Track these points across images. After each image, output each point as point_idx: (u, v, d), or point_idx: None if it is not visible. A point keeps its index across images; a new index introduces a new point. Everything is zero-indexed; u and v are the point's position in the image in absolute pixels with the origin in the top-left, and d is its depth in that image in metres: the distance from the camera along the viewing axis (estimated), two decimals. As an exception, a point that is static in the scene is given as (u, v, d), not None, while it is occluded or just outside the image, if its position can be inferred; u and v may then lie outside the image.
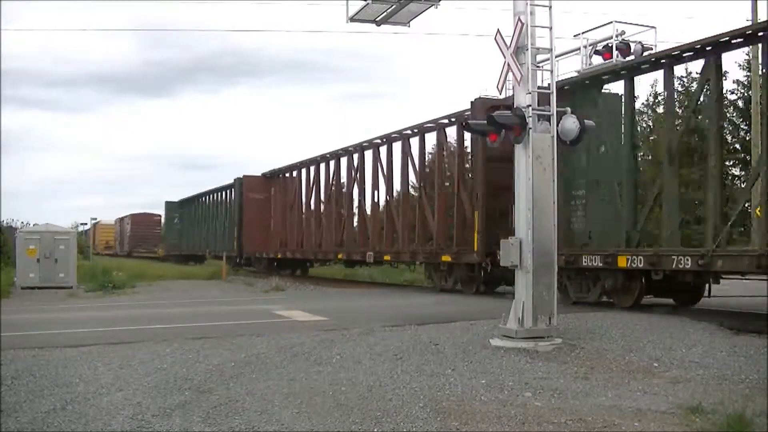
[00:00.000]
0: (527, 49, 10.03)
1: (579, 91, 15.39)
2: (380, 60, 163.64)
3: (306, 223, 29.25)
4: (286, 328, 11.94)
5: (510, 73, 10.21)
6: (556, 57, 10.72)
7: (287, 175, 31.81)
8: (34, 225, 32.31)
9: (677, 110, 15.06)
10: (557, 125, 10.10)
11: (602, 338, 10.29)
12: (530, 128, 9.92)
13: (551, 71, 10.42)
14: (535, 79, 10.15)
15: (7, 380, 7.75)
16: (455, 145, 20.79)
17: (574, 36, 16.44)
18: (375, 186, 24.12)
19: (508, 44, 10.12)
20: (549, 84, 10.42)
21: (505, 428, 6.16)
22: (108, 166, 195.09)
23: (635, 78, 14.89)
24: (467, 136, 19.35)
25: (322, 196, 28.11)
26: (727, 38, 12.74)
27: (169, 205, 51.66)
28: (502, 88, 10.97)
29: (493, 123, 10.37)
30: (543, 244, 9.81)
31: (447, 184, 21.47)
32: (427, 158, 22.77)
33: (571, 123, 10.15)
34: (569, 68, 16.37)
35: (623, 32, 15.59)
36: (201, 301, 19.41)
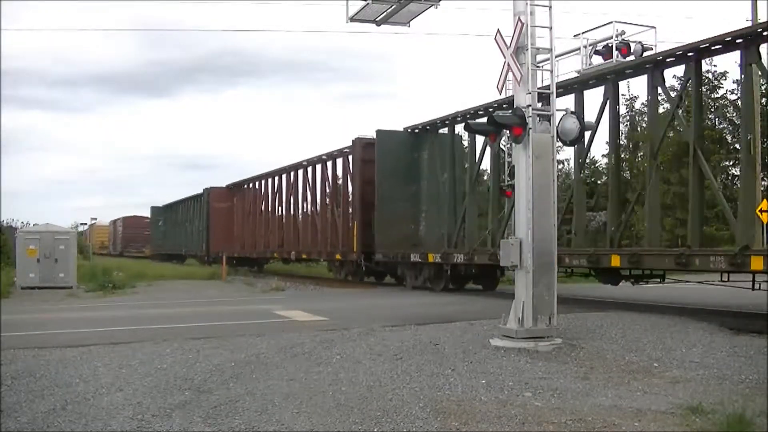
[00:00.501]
0: (527, 49, 10.03)
1: (429, 135, 21.99)
2: (380, 60, 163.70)
3: (258, 227, 34.69)
4: (286, 328, 11.94)
5: (510, 73, 10.21)
6: (556, 57, 10.72)
7: (246, 186, 37.53)
8: (34, 225, 32.36)
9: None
10: (557, 125, 10.11)
11: (602, 338, 10.29)
12: (530, 128, 9.92)
13: (551, 71, 10.42)
14: (535, 79, 10.15)
15: (7, 380, 7.75)
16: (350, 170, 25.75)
17: (574, 36, 16.43)
18: (304, 199, 30.06)
19: (508, 44, 10.12)
20: (549, 84, 10.42)
21: (505, 428, 6.16)
22: (108, 166, 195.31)
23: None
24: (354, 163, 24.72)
25: (269, 205, 33.87)
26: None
27: (155, 210, 56.44)
28: (502, 88, 10.97)
29: (493, 123, 10.37)
30: (543, 244, 9.80)
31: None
32: (339, 179, 27.45)
33: (571, 123, 10.15)
34: (569, 68, 16.39)
35: (623, 32, 15.59)
36: (201, 301, 19.41)
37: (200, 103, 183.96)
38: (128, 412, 6.57)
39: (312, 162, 28.56)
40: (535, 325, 9.70)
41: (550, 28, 10.18)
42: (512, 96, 11.30)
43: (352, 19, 12.73)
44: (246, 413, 6.52)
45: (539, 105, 10.19)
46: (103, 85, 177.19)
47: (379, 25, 12.89)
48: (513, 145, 10.66)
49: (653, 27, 15.79)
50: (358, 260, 23.78)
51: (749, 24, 19.10)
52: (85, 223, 65.28)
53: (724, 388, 7.56)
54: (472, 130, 12.22)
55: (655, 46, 15.43)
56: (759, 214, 15.48)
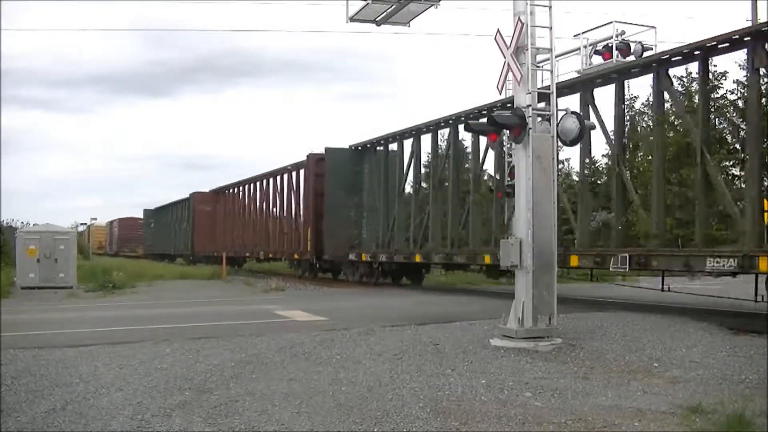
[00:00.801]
0: (527, 49, 10.03)
1: (368, 152, 25.18)
2: (380, 60, 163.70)
3: (236, 229, 37.62)
4: (286, 328, 11.94)
5: (510, 73, 10.21)
6: (556, 57, 10.72)
7: (227, 191, 40.48)
8: (34, 225, 32.31)
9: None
10: (557, 125, 10.11)
11: (602, 338, 10.29)
12: (530, 128, 9.91)
13: (551, 71, 10.42)
14: (535, 79, 10.15)
15: (7, 380, 7.75)
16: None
17: (574, 36, 16.45)
18: (273, 205, 33.00)
19: (508, 44, 10.12)
20: (549, 84, 10.43)
21: (505, 428, 6.16)
22: (108, 166, 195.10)
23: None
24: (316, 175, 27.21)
25: (245, 210, 37.02)
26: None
27: (146, 212, 60.15)
28: (502, 88, 10.97)
29: (493, 123, 10.37)
30: (543, 244, 9.80)
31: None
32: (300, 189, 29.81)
33: (571, 123, 10.15)
34: (569, 68, 16.42)
35: (623, 32, 15.60)
36: (201, 301, 19.42)
37: (200, 104, 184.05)
38: (128, 412, 6.57)
39: (279, 172, 31.58)
40: (535, 325, 9.70)
41: (550, 28, 10.18)
42: (512, 96, 11.31)
43: (352, 19, 12.74)
44: (246, 413, 6.52)
45: (540, 105, 10.20)
46: (104, 85, 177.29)
47: (379, 25, 12.89)
48: (513, 145, 10.66)
49: (653, 27, 15.81)
50: (311, 260, 27.60)
51: (749, 24, 19.10)
52: (85, 223, 66.50)
53: (724, 388, 7.56)
54: (472, 131, 12.23)
55: (656, 46, 15.45)
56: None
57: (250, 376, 8.00)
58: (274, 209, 32.62)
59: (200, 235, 41.74)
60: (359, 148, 25.45)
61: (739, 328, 11.14)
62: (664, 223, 14.43)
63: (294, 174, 29.78)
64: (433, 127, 21.23)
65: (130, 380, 7.79)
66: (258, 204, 34.99)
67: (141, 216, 63.94)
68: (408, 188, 23.45)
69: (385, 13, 12.51)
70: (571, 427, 6.16)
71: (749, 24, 18.34)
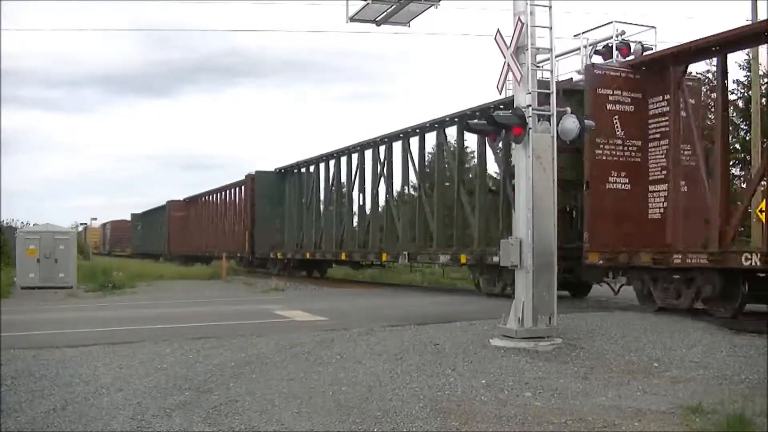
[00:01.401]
0: (527, 49, 10.03)
1: (288, 174, 32.06)
2: (380, 60, 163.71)
3: (203, 232, 43.31)
4: (286, 328, 11.94)
5: (510, 73, 10.21)
6: (556, 57, 10.72)
7: (196, 200, 46.68)
8: (34, 225, 32.32)
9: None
10: (557, 125, 10.11)
11: (602, 338, 10.29)
12: (530, 128, 9.91)
13: (551, 71, 10.42)
14: (535, 79, 10.15)
15: (7, 380, 7.75)
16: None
17: (574, 36, 16.48)
18: (227, 213, 39.26)
19: (508, 44, 10.12)
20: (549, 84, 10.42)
21: (505, 428, 6.16)
22: (108, 166, 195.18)
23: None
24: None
25: (209, 216, 43.07)
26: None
27: (134, 216, 65.53)
28: (502, 88, 10.97)
29: (493, 123, 10.37)
30: (543, 244, 9.80)
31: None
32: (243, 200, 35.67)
33: (571, 123, 10.14)
34: (569, 68, 16.43)
35: (623, 32, 15.63)
36: (201, 301, 19.41)
37: (200, 104, 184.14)
38: (128, 412, 6.57)
39: (230, 186, 38.58)
40: (535, 325, 9.70)
41: (550, 28, 10.18)
42: (512, 96, 11.31)
43: (352, 19, 12.73)
44: (246, 413, 6.53)
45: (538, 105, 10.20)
46: (104, 86, 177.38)
47: (379, 25, 12.89)
48: (513, 145, 10.65)
49: (653, 27, 15.83)
50: (248, 257, 34.50)
51: (749, 23, 19.09)
52: (85, 223, 68.88)
53: (724, 388, 7.56)
54: (472, 131, 12.22)
55: (656, 45, 15.47)
56: (759, 214, 15.47)
57: (250, 376, 8.00)
58: (227, 217, 39.30)
59: (175, 237, 48.60)
60: (282, 171, 32.90)
61: (739, 328, 11.14)
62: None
63: (238, 189, 36.53)
64: (346, 151, 26.59)
65: (130, 380, 7.79)
66: (217, 212, 41.56)
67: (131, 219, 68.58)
68: (316, 202, 29.76)
69: (385, 13, 12.50)
70: (571, 427, 6.16)
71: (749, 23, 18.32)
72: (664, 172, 13.97)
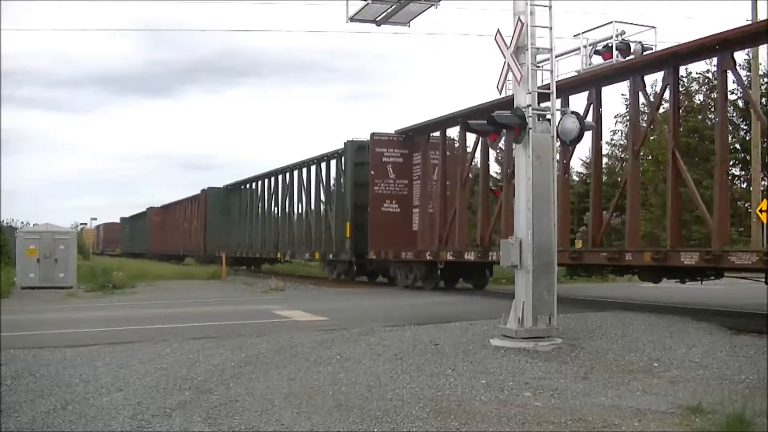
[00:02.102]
0: (527, 49, 10.02)
1: (235, 189, 40.65)
2: (380, 60, 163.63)
3: (174, 234, 51.31)
4: (286, 328, 11.95)
5: (510, 73, 10.21)
6: (556, 57, 10.72)
7: (171, 208, 54.59)
8: (34, 225, 32.35)
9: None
10: (557, 125, 10.11)
11: (602, 338, 10.29)
12: (530, 128, 9.91)
13: (551, 71, 10.42)
14: (535, 79, 10.15)
15: (7, 380, 7.75)
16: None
17: (574, 36, 16.46)
18: (191, 219, 46.66)
19: (508, 44, 10.12)
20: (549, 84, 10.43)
21: (505, 428, 6.16)
22: (108, 166, 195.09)
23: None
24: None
25: (178, 221, 50.94)
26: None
27: (123, 219, 74.54)
28: (502, 88, 10.97)
29: (493, 123, 10.37)
30: (543, 244, 9.80)
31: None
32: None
33: (571, 123, 10.15)
34: (569, 68, 16.43)
35: (623, 32, 15.61)
36: (201, 301, 19.42)
37: (201, 104, 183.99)
38: (128, 412, 6.57)
39: (193, 198, 46.81)
40: (535, 325, 9.70)
41: (550, 28, 10.18)
42: (512, 96, 11.31)
43: (352, 19, 12.74)
44: (246, 413, 6.52)
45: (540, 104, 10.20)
46: (105, 86, 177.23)
47: (379, 25, 12.89)
48: (513, 145, 10.65)
49: (653, 27, 15.83)
50: (203, 255, 42.69)
51: (749, 23, 19.08)
52: (85, 223, 71.08)
53: (724, 388, 7.55)
54: (472, 131, 12.23)
55: (655, 45, 15.46)
56: (759, 214, 15.51)
57: (250, 376, 8.01)
58: (190, 223, 46.70)
59: (154, 238, 57.70)
60: (229, 187, 41.94)
61: (739, 328, 11.14)
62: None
63: (197, 201, 45.10)
64: (288, 169, 32.25)
65: (130, 380, 7.79)
66: (184, 218, 48.91)
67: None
68: (253, 213, 37.39)
69: (385, 13, 12.51)
70: (571, 427, 6.16)
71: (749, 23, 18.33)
72: (419, 200, 22.79)
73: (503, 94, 12.40)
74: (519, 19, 10.10)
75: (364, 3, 12.29)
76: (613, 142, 40.01)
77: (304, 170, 30.43)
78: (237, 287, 26.02)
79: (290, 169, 31.96)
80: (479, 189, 21.51)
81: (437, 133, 22.06)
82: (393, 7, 12.26)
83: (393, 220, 23.25)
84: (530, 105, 9.97)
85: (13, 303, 18.82)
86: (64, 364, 8.60)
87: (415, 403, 6.83)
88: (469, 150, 21.29)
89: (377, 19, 12.71)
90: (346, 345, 9.86)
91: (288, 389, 7.39)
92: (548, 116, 10.09)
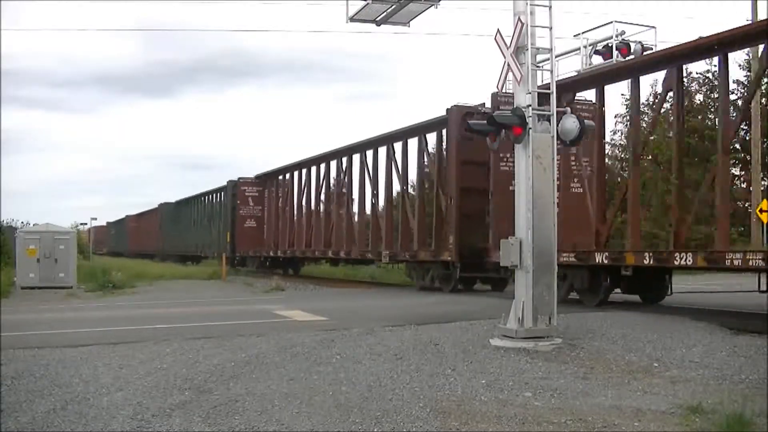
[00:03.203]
0: (527, 49, 10.02)
1: (189, 201, 48.78)
2: (381, 60, 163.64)
3: (150, 237, 59.34)
4: (286, 328, 11.93)
5: (510, 73, 10.21)
6: (556, 57, 10.72)
7: (141, 216, 65.21)
8: (34, 225, 32.34)
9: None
10: (557, 125, 10.11)
11: (602, 338, 10.29)
12: (530, 128, 9.91)
13: (551, 71, 10.42)
14: (535, 79, 10.15)
15: (7, 380, 7.75)
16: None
17: (574, 36, 16.46)
18: (154, 227, 57.18)
19: (508, 44, 10.12)
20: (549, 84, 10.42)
21: (505, 428, 6.16)
22: (108, 166, 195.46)
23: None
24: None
25: (147, 227, 61.15)
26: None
27: (109, 223, 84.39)
28: (502, 88, 10.97)
29: (493, 123, 10.37)
30: (543, 244, 9.80)
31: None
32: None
33: (571, 123, 10.15)
34: (569, 68, 16.43)
35: (623, 32, 15.61)
36: (201, 301, 19.42)
37: (201, 104, 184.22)
38: (128, 411, 6.57)
39: (153, 210, 58.41)
40: (535, 325, 9.69)
41: (550, 28, 10.18)
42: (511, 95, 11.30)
43: (352, 19, 12.73)
44: (246, 413, 6.52)
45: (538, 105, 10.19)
46: (105, 86, 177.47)
47: (379, 25, 12.89)
48: (514, 145, 10.65)
49: (653, 27, 15.83)
50: (162, 254, 52.27)
51: (749, 23, 19.07)
52: (85, 223, 73.69)
53: (724, 388, 7.55)
54: (473, 131, 12.22)
55: (655, 45, 15.47)
56: (759, 214, 15.51)
57: (250, 376, 8.00)
58: (154, 228, 56.59)
59: (132, 240, 67.25)
60: (181, 201, 51.35)
61: (739, 328, 11.14)
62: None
63: (154, 212, 57.73)
64: (218, 191, 40.65)
65: (130, 380, 7.79)
66: (149, 224, 59.69)
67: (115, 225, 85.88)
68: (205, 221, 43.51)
69: (385, 13, 12.50)
70: (571, 427, 6.16)
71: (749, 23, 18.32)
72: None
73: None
74: (519, 19, 10.10)
75: (364, 3, 12.29)
76: (612, 141, 39.97)
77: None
78: (237, 287, 26.01)
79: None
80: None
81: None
82: (393, 7, 12.25)
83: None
84: (530, 105, 9.97)
85: (13, 303, 18.81)
86: (64, 364, 8.59)
87: (415, 403, 6.83)
88: None
89: (377, 19, 12.70)
90: (346, 345, 9.86)
91: (288, 389, 7.39)
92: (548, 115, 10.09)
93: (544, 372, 8.26)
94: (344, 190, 26.86)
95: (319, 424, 6.22)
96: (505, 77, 10.46)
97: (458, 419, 6.35)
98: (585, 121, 10.34)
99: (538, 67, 10.29)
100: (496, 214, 17.51)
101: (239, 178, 35.93)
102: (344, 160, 26.86)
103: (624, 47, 15.38)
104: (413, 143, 22.46)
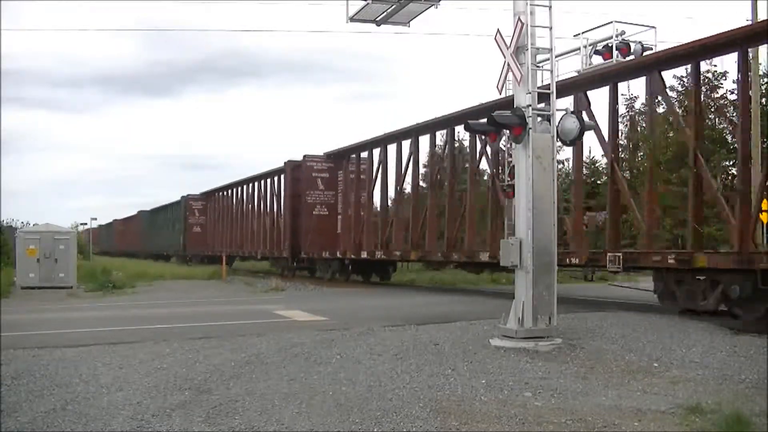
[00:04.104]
0: (527, 49, 10.03)
1: (160, 211, 57.25)
2: (381, 60, 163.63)
3: (131, 239, 67.29)
4: (286, 328, 11.94)
5: (510, 73, 10.21)
6: (556, 57, 10.72)
7: (127, 220, 72.71)
8: (34, 225, 32.31)
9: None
10: (557, 125, 10.11)
11: (602, 338, 10.29)
12: (530, 128, 9.91)
13: (551, 71, 10.42)
14: (535, 79, 10.15)
15: (7, 380, 7.75)
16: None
17: (574, 36, 16.43)
18: (137, 232, 65.03)
19: (508, 44, 10.12)
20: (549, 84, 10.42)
21: (505, 428, 6.16)
22: (109, 166, 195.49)
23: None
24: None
25: (127, 230, 70.02)
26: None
27: (100, 226, 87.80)
28: (502, 88, 10.96)
29: (493, 123, 10.37)
30: (543, 244, 9.80)
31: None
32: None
33: (571, 123, 10.15)
34: (569, 68, 16.42)
35: (623, 32, 15.59)
36: (201, 301, 19.41)
37: (202, 104, 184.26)
38: (128, 411, 6.57)
39: (131, 218, 68.91)
40: (535, 325, 9.69)
41: (550, 28, 10.18)
42: (512, 95, 11.30)
43: (352, 19, 12.72)
44: (246, 413, 6.52)
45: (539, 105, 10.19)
46: (106, 86, 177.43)
47: (379, 25, 12.88)
48: (513, 145, 10.66)
49: (653, 27, 15.81)
50: (143, 254, 57.67)
51: (749, 23, 19.08)
52: (85, 223, 75.04)
53: (723, 388, 7.56)
54: (472, 131, 12.23)
55: (655, 45, 15.43)
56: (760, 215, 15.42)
57: (250, 376, 8.00)
58: (137, 232, 64.42)
59: (118, 240, 74.60)
60: (153, 210, 58.76)
61: (739, 328, 11.14)
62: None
63: (136, 218, 65.86)
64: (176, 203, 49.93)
65: (130, 380, 7.79)
66: (132, 228, 67.62)
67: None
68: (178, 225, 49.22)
69: (385, 13, 12.50)
70: (571, 427, 6.16)
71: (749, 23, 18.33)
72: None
73: (503, 94, 12.41)
74: (519, 19, 10.10)
75: (364, 3, 12.29)
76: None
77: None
78: (237, 287, 26.01)
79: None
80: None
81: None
82: (393, 7, 12.25)
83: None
84: (530, 105, 9.97)
85: (13, 303, 18.81)
86: (64, 364, 8.60)
87: (415, 402, 6.83)
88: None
89: (377, 19, 12.70)
90: (346, 345, 9.86)
91: (288, 389, 7.39)
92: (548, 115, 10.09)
93: (544, 372, 8.26)
94: (251, 207, 37.94)
95: (319, 424, 6.22)
96: (505, 77, 10.46)
97: (458, 419, 6.35)
98: (585, 120, 10.34)
99: (538, 67, 10.29)
100: (304, 228, 28.82)
101: (188, 195, 48.57)
102: (254, 184, 37.23)
103: (624, 47, 15.36)
104: (274, 181, 33.88)
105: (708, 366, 8.58)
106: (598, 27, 16.06)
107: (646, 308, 14.05)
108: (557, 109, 10.27)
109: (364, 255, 25.30)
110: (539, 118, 10.06)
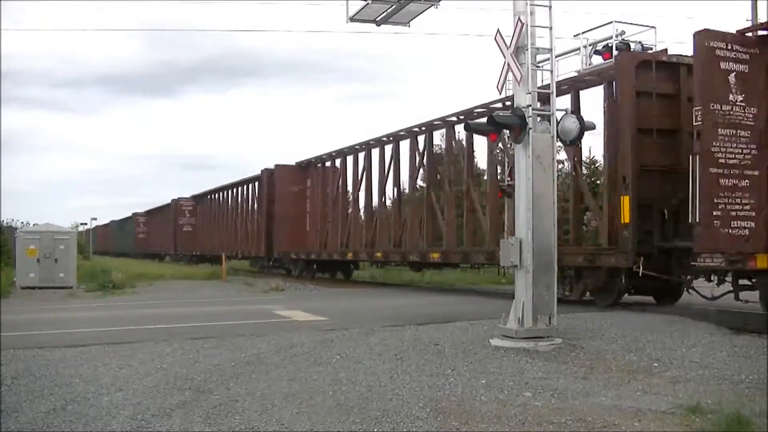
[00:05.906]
0: (527, 49, 10.03)
1: (120, 222, 77.39)
2: (381, 60, 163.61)
3: (124, 242, 72.42)
4: (286, 328, 11.94)
5: (510, 73, 10.21)
6: (556, 57, 10.72)
7: (108, 224, 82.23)
8: (34, 225, 32.31)
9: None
10: (557, 125, 10.11)
11: (602, 338, 10.29)
12: (530, 128, 9.91)
13: (551, 71, 10.42)
14: (535, 79, 10.15)
15: (7, 380, 7.75)
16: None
17: (574, 36, 16.46)
18: (127, 234, 71.61)
19: (508, 44, 10.12)
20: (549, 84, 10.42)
21: (505, 428, 6.16)
22: (109, 166, 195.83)
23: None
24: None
25: (121, 236, 74.46)
26: None
27: (95, 227, 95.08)
28: (502, 88, 10.97)
29: (493, 123, 10.37)
30: (543, 244, 9.80)
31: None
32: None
33: (571, 123, 10.15)
34: (569, 68, 16.44)
35: (623, 32, 15.60)
36: (201, 301, 19.41)
37: (202, 104, 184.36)
38: (128, 411, 6.57)
39: (115, 222, 78.16)
40: (535, 325, 9.70)
41: (550, 28, 10.18)
42: (512, 95, 11.31)
43: (352, 19, 12.73)
44: (246, 413, 6.52)
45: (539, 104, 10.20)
46: (106, 86, 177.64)
47: (379, 25, 12.89)
48: (513, 145, 10.66)
49: (653, 27, 15.82)
50: (134, 254, 62.95)
51: (749, 24, 19.06)
52: (85, 223, 77.59)
53: (723, 388, 7.56)
54: (472, 131, 12.23)
55: (655, 45, 15.45)
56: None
57: (250, 376, 8.00)
58: (110, 236, 77.05)
59: (99, 242, 78.46)
60: (119, 220, 75.25)
61: (739, 328, 11.14)
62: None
63: (110, 226, 79.41)
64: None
65: (130, 380, 7.79)
66: (108, 233, 79.47)
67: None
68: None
69: (385, 13, 12.50)
70: (571, 427, 6.16)
71: (749, 24, 18.29)
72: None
73: (503, 94, 12.41)
74: (519, 19, 10.10)
75: (364, 3, 12.29)
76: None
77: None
78: (237, 287, 26.01)
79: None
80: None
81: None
82: (393, 7, 12.25)
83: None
84: (530, 105, 9.97)
85: (13, 303, 18.81)
86: (64, 364, 8.60)
87: (415, 402, 6.83)
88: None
89: (377, 19, 12.70)
90: (346, 345, 9.87)
91: (288, 389, 7.39)
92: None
93: (544, 372, 8.26)
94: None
95: (319, 424, 6.22)
96: (505, 77, 10.46)
97: (458, 419, 6.35)
98: (585, 120, 10.34)
99: (538, 67, 10.29)
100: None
101: (135, 213, 66.23)
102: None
103: (624, 47, 15.37)
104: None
105: (708, 366, 8.58)
106: (598, 27, 16.09)
107: (645, 308, 14.05)
108: (557, 109, 10.27)
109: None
110: (539, 118, 10.06)
